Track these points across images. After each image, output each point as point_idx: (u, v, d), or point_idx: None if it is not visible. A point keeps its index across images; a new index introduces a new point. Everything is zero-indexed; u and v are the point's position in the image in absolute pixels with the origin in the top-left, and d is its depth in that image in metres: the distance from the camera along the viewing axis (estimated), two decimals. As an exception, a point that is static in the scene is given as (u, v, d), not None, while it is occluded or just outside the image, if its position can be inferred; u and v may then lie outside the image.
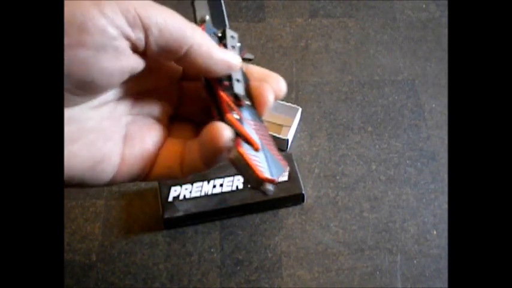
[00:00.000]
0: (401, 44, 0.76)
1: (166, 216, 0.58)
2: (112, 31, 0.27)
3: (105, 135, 0.31)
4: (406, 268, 0.57)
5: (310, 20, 0.79)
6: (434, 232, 0.60)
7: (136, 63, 0.30)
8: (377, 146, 0.67)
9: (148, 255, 0.58)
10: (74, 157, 0.29)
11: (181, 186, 0.60)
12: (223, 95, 0.32)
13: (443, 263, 0.58)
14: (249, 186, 0.32)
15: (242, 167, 0.30)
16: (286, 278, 0.56)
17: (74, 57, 0.27)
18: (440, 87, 0.71)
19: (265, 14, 0.80)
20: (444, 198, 0.63)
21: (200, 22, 0.36)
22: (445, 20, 0.79)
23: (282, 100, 0.67)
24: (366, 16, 0.79)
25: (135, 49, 0.29)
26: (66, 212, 0.60)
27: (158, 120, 0.35)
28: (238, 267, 0.57)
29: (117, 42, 0.28)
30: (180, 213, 0.58)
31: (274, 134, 0.64)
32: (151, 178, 0.33)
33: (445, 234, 0.60)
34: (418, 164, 0.66)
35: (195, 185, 0.60)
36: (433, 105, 0.70)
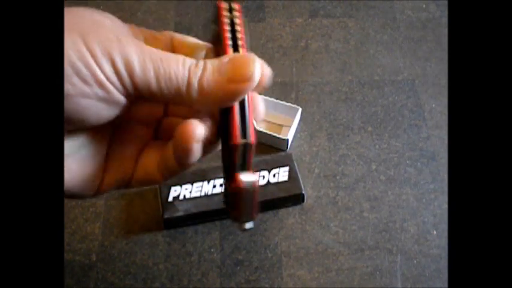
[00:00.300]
0: (401, 44, 0.76)
1: (166, 216, 0.58)
2: (111, 87, 0.28)
3: (94, 148, 0.32)
4: (406, 268, 0.57)
5: (310, 20, 0.79)
6: (434, 232, 0.60)
7: (130, 104, 0.30)
8: (377, 146, 0.67)
9: (148, 255, 0.58)
10: (66, 172, 0.30)
11: (181, 186, 0.60)
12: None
13: (443, 263, 0.58)
14: (233, 220, 0.33)
15: (247, 199, 0.30)
16: (286, 278, 0.56)
17: (76, 104, 0.27)
18: (440, 87, 0.71)
19: (265, 14, 0.80)
20: (444, 198, 0.63)
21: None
22: (445, 20, 0.79)
23: (282, 100, 0.67)
24: (366, 16, 0.79)
25: (132, 98, 0.29)
26: (66, 212, 0.60)
27: (145, 123, 0.35)
28: (238, 267, 0.57)
29: (115, 96, 0.28)
30: (180, 213, 0.58)
31: (274, 134, 0.64)
32: (134, 185, 0.34)
33: (445, 234, 0.60)
34: (418, 164, 0.65)
35: (195, 185, 0.60)
36: (433, 105, 0.70)
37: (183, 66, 0.29)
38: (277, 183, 0.60)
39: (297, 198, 0.61)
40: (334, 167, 0.65)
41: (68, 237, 0.58)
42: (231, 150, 0.30)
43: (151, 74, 0.28)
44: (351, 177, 0.64)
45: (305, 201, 0.61)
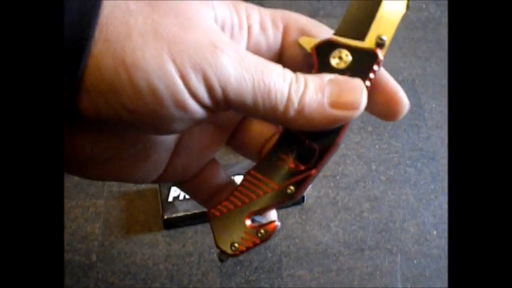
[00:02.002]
0: (401, 44, 0.76)
1: (166, 216, 0.58)
2: (196, 108, 0.25)
3: (164, 138, 0.30)
4: (406, 268, 0.57)
5: (310, 20, 0.79)
6: (434, 232, 0.60)
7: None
8: (377, 146, 0.67)
9: (148, 255, 0.58)
10: (132, 155, 0.29)
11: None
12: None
13: (443, 263, 0.58)
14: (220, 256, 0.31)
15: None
16: (286, 278, 0.56)
17: (141, 122, 0.25)
18: (440, 87, 0.71)
19: (265, 14, 0.80)
20: (444, 198, 0.63)
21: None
22: (445, 20, 0.79)
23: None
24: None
25: (218, 111, 0.26)
26: (66, 212, 0.60)
27: (221, 127, 0.32)
28: (238, 267, 0.57)
29: (199, 115, 0.25)
30: (180, 213, 0.58)
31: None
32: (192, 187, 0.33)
33: (445, 234, 0.60)
34: (418, 164, 0.65)
35: (195, 185, 0.60)
36: (433, 105, 0.70)
37: (283, 81, 0.26)
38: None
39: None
40: (334, 167, 0.65)
41: (68, 237, 0.58)
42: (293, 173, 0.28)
43: (248, 89, 0.25)
44: (351, 177, 0.64)
45: (305, 201, 0.61)
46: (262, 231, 0.29)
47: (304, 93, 0.26)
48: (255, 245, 0.29)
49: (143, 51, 0.23)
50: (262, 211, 0.29)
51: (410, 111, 0.70)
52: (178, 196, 0.59)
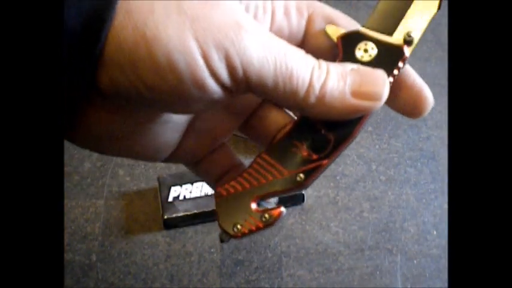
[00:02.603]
0: (401, 44, 0.76)
1: (166, 216, 0.58)
2: (215, 88, 0.24)
3: (177, 118, 0.29)
4: (406, 268, 0.57)
5: (310, 20, 0.79)
6: (434, 232, 0.60)
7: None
8: (377, 146, 0.67)
9: (148, 255, 0.58)
10: (143, 132, 0.28)
11: (181, 186, 0.60)
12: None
13: (443, 263, 0.58)
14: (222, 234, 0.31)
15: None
16: (286, 278, 0.56)
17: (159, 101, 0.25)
18: (440, 87, 0.71)
19: (265, 14, 0.80)
20: (444, 198, 0.63)
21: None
22: (445, 20, 0.79)
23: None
24: (366, 16, 0.79)
25: (237, 93, 0.26)
26: (66, 212, 0.60)
27: (235, 113, 0.31)
28: (238, 267, 0.57)
29: (218, 97, 0.25)
30: (180, 213, 0.58)
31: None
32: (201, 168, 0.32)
33: (445, 234, 0.60)
34: (418, 164, 0.65)
35: (195, 185, 0.60)
36: (433, 105, 0.70)
37: (306, 66, 0.25)
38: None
39: (297, 198, 0.61)
40: (334, 167, 0.65)
41: (68, 237, 0.58)
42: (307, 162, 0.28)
43: (270, 71, 0.24)
44: (351, 177, 0.64)
45: (305, 201, 0.61)
46: (266, 215, 0.28)
47: (326, 80, 0.25)
48: (257, 228, 0.28)
49: (165, 26, 0.22)
50: (269, 196, 0.29)
51: (410, 111, 0.70)
52: (178, 196, 0.59)
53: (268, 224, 0.28)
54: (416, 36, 0.28)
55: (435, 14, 0.28)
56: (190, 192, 0.59)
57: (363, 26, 0.29)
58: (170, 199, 0.59)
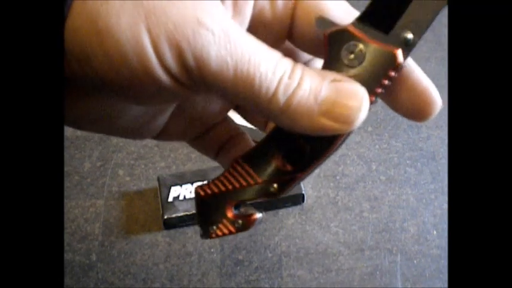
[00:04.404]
0: (401, 44, 0.76)
1: (166, 216, 0.58)
2: (166, 80, 0.22)
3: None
4: (406, 268, 0.57)
5: (310, 20, 0.79)
6: (434, 232, 0.60)
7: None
8: (377, 146, 0.67)
9: (148, 255, 0.58)
10: (131, 109, 0.27)
11: (181, 186, 0.60)
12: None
13: (443, 263, 0.58)
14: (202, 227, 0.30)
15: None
16: (286, 278, 0.56)
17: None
18: (440, 87, 0.71)
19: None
20: (444, 198, 0.63)
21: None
22: (445, 20, 0.78)
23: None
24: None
25: (198, 92, 0.24)
26: (66, 212, 0.60)
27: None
28: (238, 267, 0.57)
29: (171, 89, 0.23)
30: (180, 213, 0.58)
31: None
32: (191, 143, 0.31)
33: (445, 234, 0.60)
34: (418, 164, 0.65)
35: (195, 185, 0.60)
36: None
37: (273, 74, 0.22)
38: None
39: (297, 198, 0.61)
40: (334, 167, 0.65)
41: (68, 237, 0.58)
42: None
43: (229, 76, 0.22)
44: (351, 177, 0.64)
45: (305, 201, 0.61)
46: (240, 221, 0.28)
47: (294, 93, 0.23)
48: (230, 233, 0.28)
49: (118, 17, 0.21)
50: (244, 202, 0.28)
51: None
52: (178, 196, 0.59)
53: (241, 230, 0.28)
54: (416, 37, 0.25)
55: (440, 12, 0.25)
56: (190, 192, 0.59)
57: (357, 19, 0.25)
58: (170, 199, 0.59)
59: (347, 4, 0.26)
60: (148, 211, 0.61)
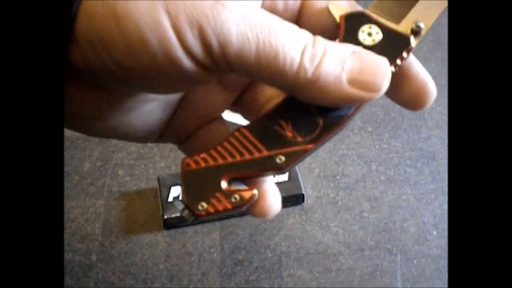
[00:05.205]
0: (401, 44, 0.76)
1: (166, 216, 0.58)
2: (189, 65, 0.22)
3: (166, 97, 0.27)
4: (406, 268, 0.57)
5: (310, 20, 0.79)
6: (434, 232, 0.60)
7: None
8: (377, 146, 0.67)
9: (148, 255, 0.58)
10: (133, 113, 0.26)
11: (181, 186, 0.60)
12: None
13: (443, 263, 0.58)
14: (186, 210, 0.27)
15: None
16: (286, 278, 0.56)
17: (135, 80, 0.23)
18: (440, 87, 0.71)
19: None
20: (444, 198, 0.63)
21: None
22: (445, 20, 0.78)
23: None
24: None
25: (220, 72, 0.24)
26: (66, 212, 0.60)
27: (228, 88, 0.29)
28: (238, 267, 0.57)
29: (195, 75, 0.23)
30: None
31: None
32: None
33: (445, 234, 0.60)
34: (418, 164, 0.65)
35: (195, 185, 0.60)
36: (433, 105, 0.70)
37: (296, 44, 0.22)
38: (277, 183, 0.60)
39: (297, 199, 0.61)
40: (334, 167, 0.65)
41: (68, 237, 0.58)
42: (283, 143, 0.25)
43: (251, 50, 0.21)
44: (351, 177, 0.64)
45: (305, 201, 0.61)
46: (237, 196, 0.25)
47: (321, 61, 0.22)
48: (225, 209, 0.25)
49: (136, 2, 0.21)
50: (243, 176, 0.26)
51: (411, 111, 0.70)
52: (178, 196, 0.59)
53: (238, 206, 0.25)
54: (424, 27, 0.27)
55: (446, 8, 0.27)
56: (190, 192, 0.59)
57: (372, 6, 0.26)
58: (170, 199, 0.59)
59: (354, 3, 0.27)
60: (148, 211, 0.61)
